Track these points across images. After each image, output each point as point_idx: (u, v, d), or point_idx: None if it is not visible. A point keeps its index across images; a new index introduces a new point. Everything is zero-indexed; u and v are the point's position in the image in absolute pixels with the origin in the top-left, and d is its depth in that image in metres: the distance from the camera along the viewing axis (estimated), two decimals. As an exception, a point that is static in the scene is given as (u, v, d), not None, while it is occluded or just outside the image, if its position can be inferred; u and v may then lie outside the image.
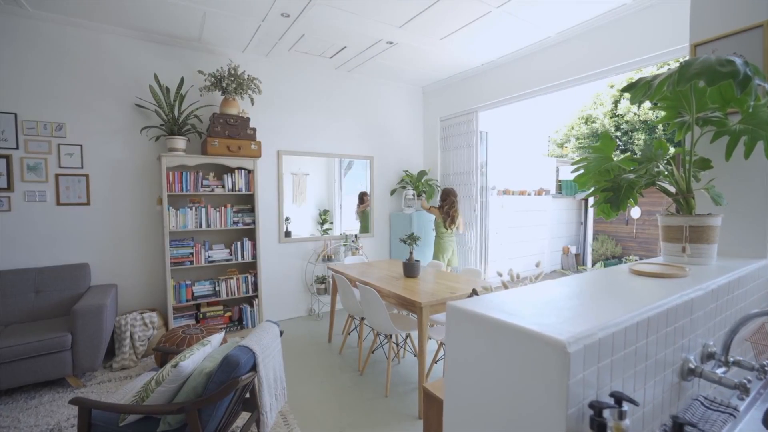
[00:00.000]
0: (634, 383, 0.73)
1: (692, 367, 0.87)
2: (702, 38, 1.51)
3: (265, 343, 1.82)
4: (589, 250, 8.43)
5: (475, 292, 1.07)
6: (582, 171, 1.52)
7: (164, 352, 2.20)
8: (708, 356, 0.95)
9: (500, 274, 1.21)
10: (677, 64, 1.09)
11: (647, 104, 10.65)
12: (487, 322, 0.69)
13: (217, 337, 1.95)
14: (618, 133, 11.56)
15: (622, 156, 1.50)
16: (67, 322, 2.79)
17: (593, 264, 8.42)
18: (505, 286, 1.09)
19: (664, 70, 1.16)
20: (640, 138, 9.99)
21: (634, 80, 1.21)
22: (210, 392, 1.56)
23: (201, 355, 1.74)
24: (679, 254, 1.26)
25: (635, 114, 10.72)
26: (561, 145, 13.54)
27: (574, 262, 8.61)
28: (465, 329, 0.74)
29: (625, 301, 0.82)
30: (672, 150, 1.38)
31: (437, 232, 4.47)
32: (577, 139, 12.62)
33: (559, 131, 13.79)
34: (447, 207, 4.33)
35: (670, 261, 1.28)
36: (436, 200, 4.90)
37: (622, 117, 10.86)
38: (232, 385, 1.56)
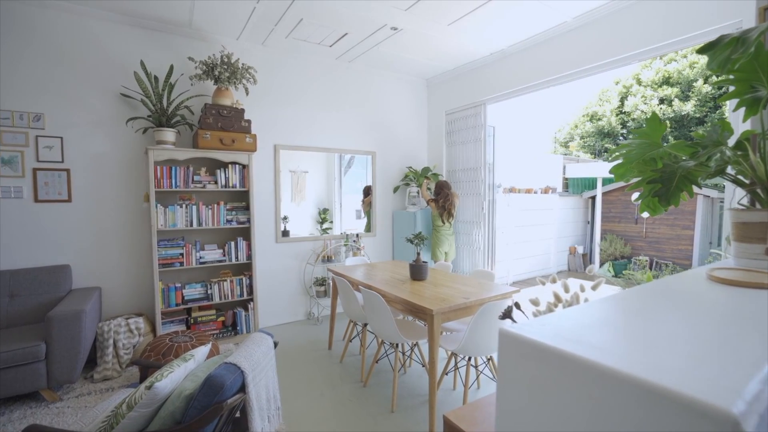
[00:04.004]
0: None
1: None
2: (772, 1, 1.29)
3: (256, 358, 1.58)
4: (597, 250, 8.19)
5: (517, 306, 0.84)
6: (621, 160, 1.28)
7: (144, 366, 1.96)
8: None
9: (543, 283, 0.99)
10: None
11: (654, 101, 10.41)
12: (575, 366, 0.45)
13: (201, 351, 1.71)
14: (624, 131, 11.32)
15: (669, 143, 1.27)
16: (43, 329, 2.54)
17: (601, 265, 8.19)
18: (557, 298, 0.86)
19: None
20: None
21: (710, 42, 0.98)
22: (190, 419, 1.33)
23: (181, 373, 1.50)
24: (760, 256, 1.02)
25: (642, 112, 10.50)
26: (564, 144, 13.32)
27: (582, 263, 8.38)
28: (533, 371, 0.50)
29: (745, 326, 0.59)
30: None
31: (434, 226, 4.39)
32: (582, 137, 12.39)
33: (562, 129, 13.57)
34: (442, 201, 4.23)
35: (746, 265, 1.04)
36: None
37: (629, 114, 10.63)
38: (216, 411, 1.32)
